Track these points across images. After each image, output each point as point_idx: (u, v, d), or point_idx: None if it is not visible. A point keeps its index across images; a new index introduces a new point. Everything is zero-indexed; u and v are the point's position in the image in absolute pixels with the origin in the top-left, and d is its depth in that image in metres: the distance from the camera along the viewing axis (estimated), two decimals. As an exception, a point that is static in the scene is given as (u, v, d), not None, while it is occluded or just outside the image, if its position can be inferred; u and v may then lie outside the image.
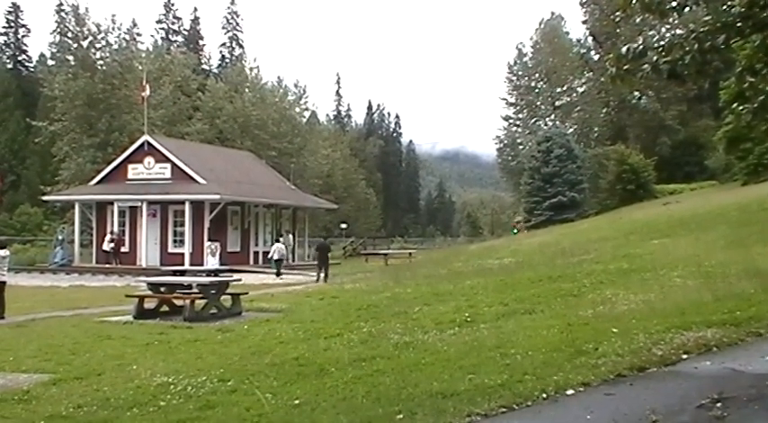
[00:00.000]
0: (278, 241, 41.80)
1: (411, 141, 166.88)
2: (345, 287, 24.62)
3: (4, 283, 20.50)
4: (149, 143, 45.37)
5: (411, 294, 18.63)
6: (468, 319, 13.38)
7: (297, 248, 51.46)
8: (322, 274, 33.39)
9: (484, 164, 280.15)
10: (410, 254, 50.08)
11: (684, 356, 9.38)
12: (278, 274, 37.12)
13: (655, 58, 8.36)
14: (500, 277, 19.83)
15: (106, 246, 43.89)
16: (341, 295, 21.67)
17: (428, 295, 17.92)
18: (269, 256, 40.44)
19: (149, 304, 19.84)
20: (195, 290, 19.81)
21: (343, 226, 76.24)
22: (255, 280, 32.58)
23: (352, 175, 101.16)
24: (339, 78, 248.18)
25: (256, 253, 47.15)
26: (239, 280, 21.84)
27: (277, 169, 61.35)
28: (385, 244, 77.93)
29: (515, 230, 64.17)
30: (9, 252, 21.26)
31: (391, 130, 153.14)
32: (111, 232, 44.09)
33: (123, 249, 44.02)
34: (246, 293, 21.24)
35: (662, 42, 8.59)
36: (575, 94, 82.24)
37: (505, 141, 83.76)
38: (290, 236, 49.07)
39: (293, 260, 47.97)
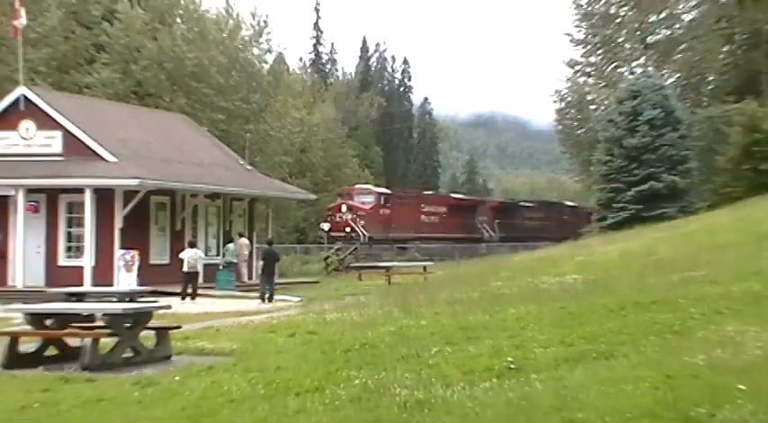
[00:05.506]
0: (230, 242, 33.41)
1: (426, 100, 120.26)
2: (328, 317, 18.89)
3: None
4: (27, 99, 31.43)
5: (426, 329, 14.34)
6: (513, 367, 10.85)
7: (255, 258, 37.29)
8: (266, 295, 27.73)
9: (534, 133, 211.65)
10: (425, 268, 36.38)
11: None
12: (185, 296, 27.96)
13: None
14: (560, 304, 15.20)
15: None
16: (321, 329, 16.55)
17: (452, 330, 13.80)
18: (220, 265, 32.73)
19: (27, 345, 15.59)
20: (100, 323, 15.73)
21: (325, 227, 55.29)
22: (193, 307, 26.11)
23: (338, 150, 77.62)
24: (318, 4, 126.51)
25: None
26: (168, 307, 17.55)
27: (225, 141, 45.77)
28: (387, 253, 55.32)
29: None
30: None
31: (397, 82, 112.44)
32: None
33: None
34: (179, 328, 16.50)
35: None
36: (677, 26, 56.58)
37: (569, 98, 59.40)
38: (244, 240, 36.22)
39: (248, 277, 36.30)
